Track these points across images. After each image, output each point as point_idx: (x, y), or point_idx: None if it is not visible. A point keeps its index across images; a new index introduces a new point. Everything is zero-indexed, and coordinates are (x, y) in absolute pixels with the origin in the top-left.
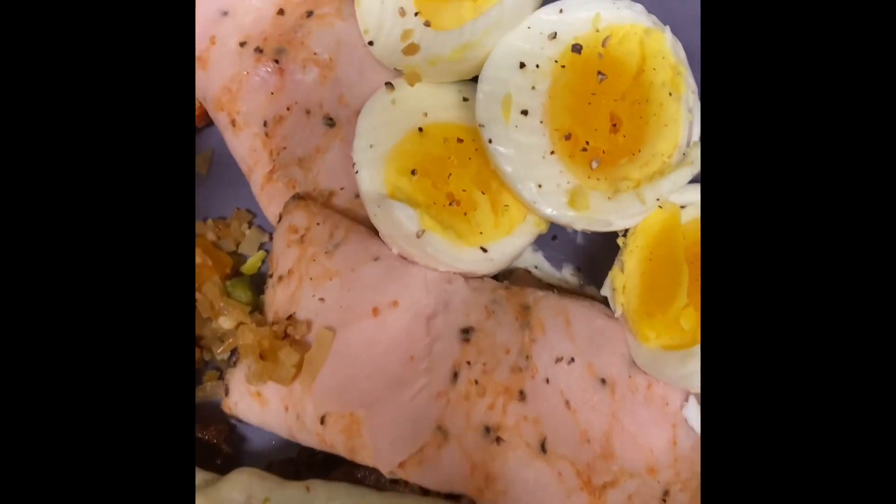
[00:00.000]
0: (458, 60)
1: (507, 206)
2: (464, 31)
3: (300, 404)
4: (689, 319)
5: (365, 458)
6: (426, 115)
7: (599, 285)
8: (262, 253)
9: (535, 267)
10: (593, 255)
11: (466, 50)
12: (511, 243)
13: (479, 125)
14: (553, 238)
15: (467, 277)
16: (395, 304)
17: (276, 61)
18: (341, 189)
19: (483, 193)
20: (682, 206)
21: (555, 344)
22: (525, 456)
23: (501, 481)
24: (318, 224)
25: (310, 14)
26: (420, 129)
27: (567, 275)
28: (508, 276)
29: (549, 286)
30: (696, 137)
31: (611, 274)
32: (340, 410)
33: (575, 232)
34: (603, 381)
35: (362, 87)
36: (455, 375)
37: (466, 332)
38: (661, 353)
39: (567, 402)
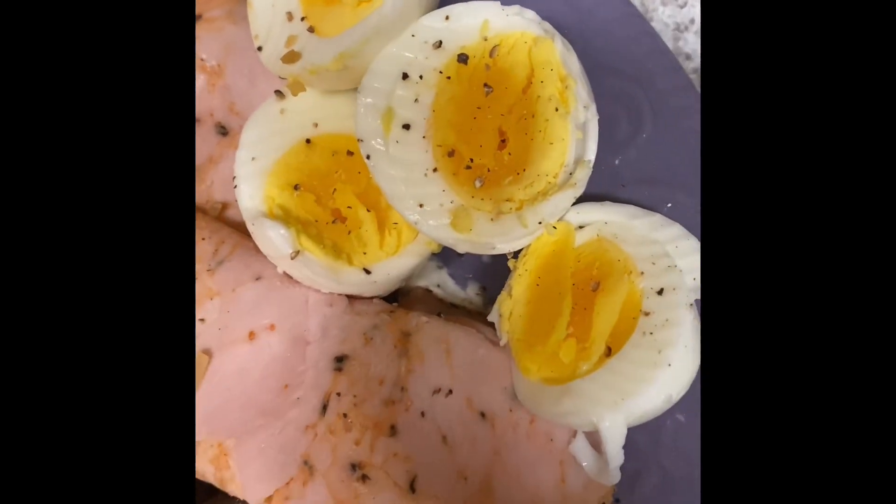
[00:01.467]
0: (339, 70)
1: (396, 224)
2: (343, 38)
3: None
4: (569, 352)
5: (234, 489)
6: (317, 125)
7: None
8: None
9: (438, 286)
10: (501, 274)
11: (347, 59)
12: (397, 264)
13: (359, 140)
14: (460, 255)
15: (353, 299)
16: (272, 327)
17: None
18: (237, 201)
19: (369, 211)
20: (580, 227)
21: (432, 374)
22: (392, 497)
23: None
24: (203, 239)
25: (198, 17)
26: (308, 141)
27: (472, 294)
28: (406, 296)
29: (451, 307)
30: (590, 156)
31: (499, 298)
32: (209, 439)
33: None
34: (483, 414)
35: (253, 95)
36: (324, 408)
37: (340, 361)
38: (541, 388)
39: (444, 437)
